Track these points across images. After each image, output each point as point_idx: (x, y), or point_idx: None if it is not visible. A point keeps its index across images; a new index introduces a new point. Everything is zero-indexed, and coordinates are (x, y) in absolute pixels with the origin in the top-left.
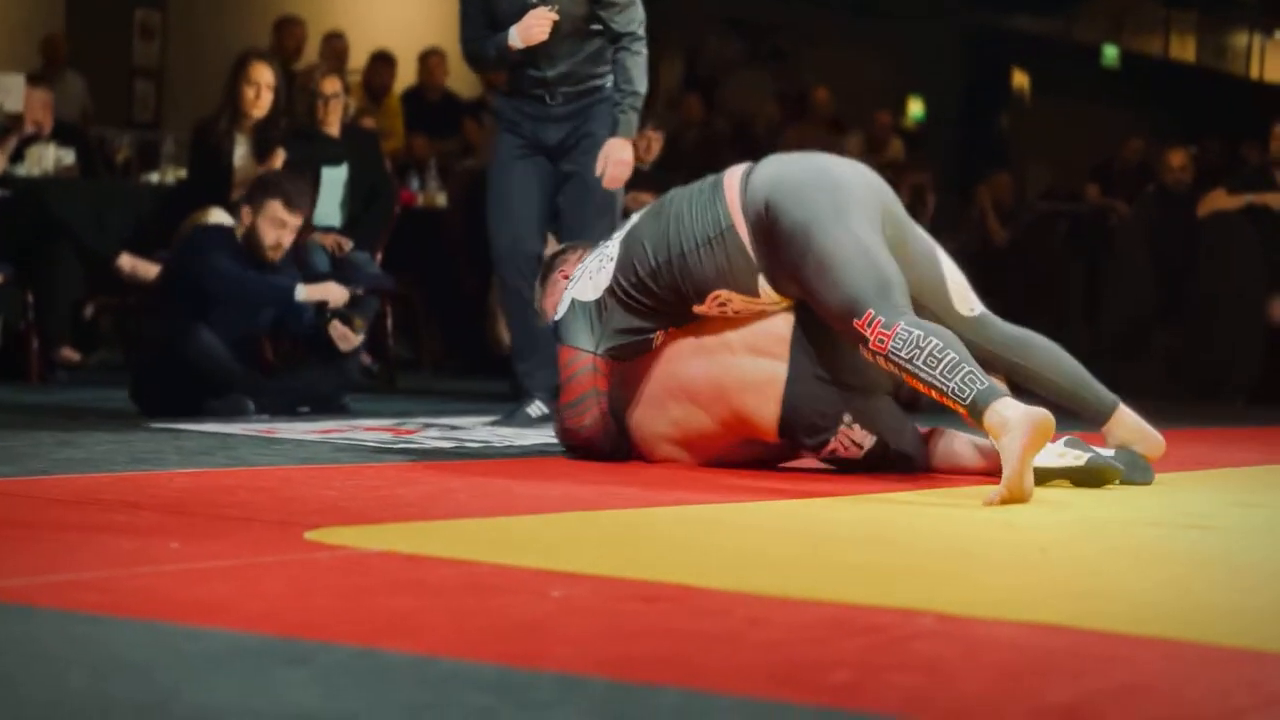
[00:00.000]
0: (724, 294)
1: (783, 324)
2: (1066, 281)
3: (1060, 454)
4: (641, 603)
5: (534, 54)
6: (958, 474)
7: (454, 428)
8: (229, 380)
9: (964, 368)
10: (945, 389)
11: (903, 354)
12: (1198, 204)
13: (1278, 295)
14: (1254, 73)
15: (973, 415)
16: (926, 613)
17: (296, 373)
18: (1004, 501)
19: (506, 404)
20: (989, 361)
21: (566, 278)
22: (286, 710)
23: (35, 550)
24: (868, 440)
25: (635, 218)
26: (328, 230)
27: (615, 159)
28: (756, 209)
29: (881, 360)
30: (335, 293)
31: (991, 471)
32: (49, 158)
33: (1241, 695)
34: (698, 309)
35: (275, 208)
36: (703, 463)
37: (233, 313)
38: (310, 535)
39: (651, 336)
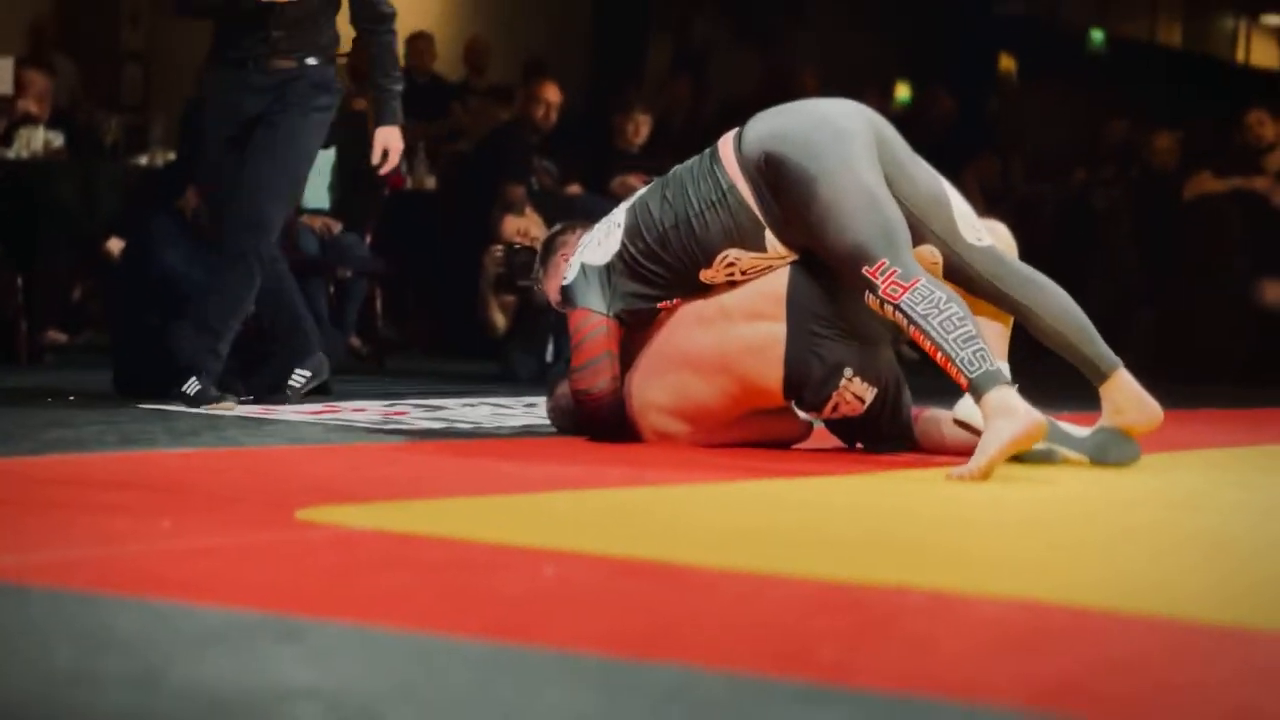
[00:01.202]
0: (732, 253)
1: (777, 283)
2: (1052, 263)
3: None
4: (632, 579)
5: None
6: (941, 453)
7: (443, 408)
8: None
9: (978, 342)
10: (955, 356)
11: (919, 309)
12: (1184, 186)
13: (1265, 277)
14: (1240, 57)
15: (974, 389)
16: (915, 589)
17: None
18: (968, 478)
19: (496, 385)
20: (995, 297)
21: (567, 260)
22: (279, 687)
23: (26, 529)
24: (869, 393)
25: (642, 190)
26: (316, 213)
27: (396, 147)
28: (756, 163)
29: (890, 310)
30: None
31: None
32: (38, 140)
33: (1229, 670)
34: (705, 275)
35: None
36: (698, 439)
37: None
38: (301, 514)
39: (658, 305)
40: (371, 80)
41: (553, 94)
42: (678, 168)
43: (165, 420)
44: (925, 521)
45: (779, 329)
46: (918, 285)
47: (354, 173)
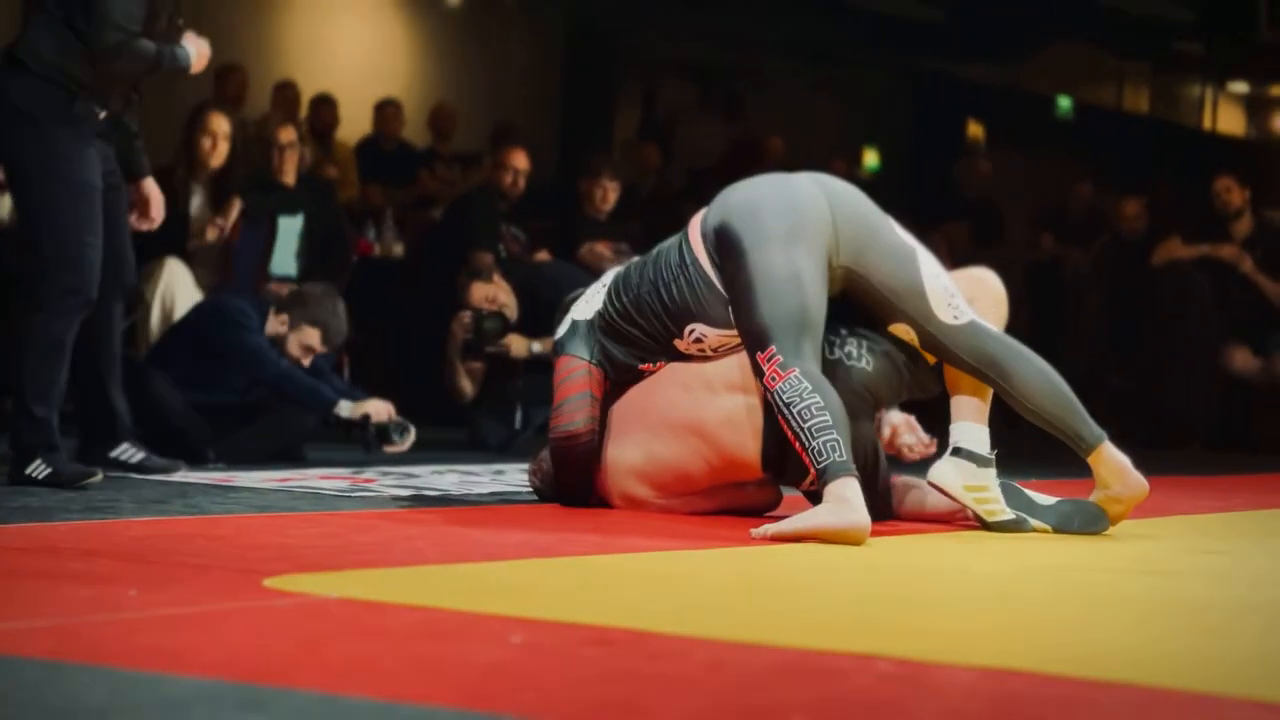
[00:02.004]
0: (699, 328)
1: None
2: (1021, 329)
3: (979, 499)
4: (600, 647)
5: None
6: (919, 520)
7: (411, 475)
8: (182, 435)
9: (831, 434)
10: (808, 445)
11: (784, 397)
12: (1152, 253)
13: (1232, 344)
14: (1206, 124)
15: (820, 478)
16: (884, 657)
17: (253, 427)
18: (762, 538)
19: (464, 453)
20: (974, 373)
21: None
22: None
23: None
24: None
25: (634, 257)
26: (283, 280)
27: (159, 200)
28: (712, 236)
29: (769, 396)
30: (378, 408)
31: (955, 522)
32: (4, 207)
33: None
34: (679, 345)
35: (311, 335)
36: (667, 506)
37: (228, 385)
38: (269, 582)
39: (639, 365)
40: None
41: (521, 161)
42: (665, 241)
43: (131, 488)
44: (894, 589)
45: (759, 404)
46: (790, 375)
47: (322, 240)
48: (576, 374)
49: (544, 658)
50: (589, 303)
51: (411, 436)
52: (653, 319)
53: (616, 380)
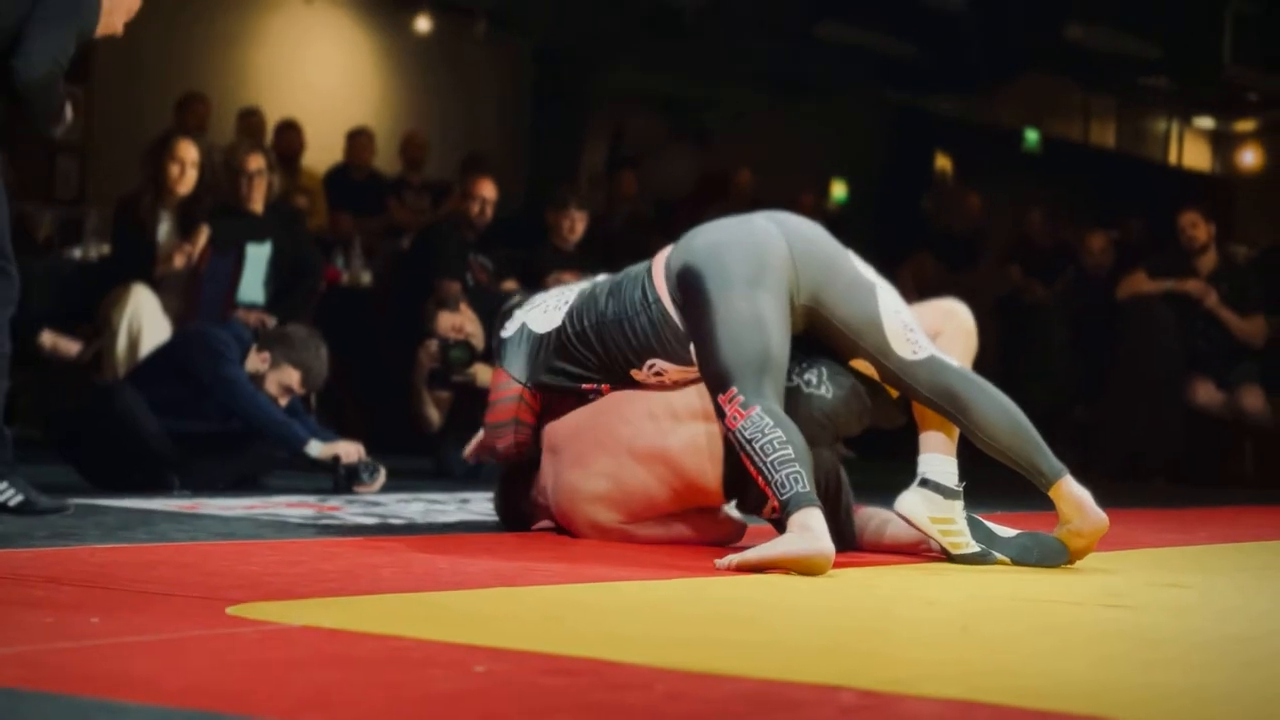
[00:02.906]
0: (659, 363)
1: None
2: (987, 360)
3: (944, 531)
4: (563, 677)
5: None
6: (878, 551)
7: (377, 504)
8: (152, 454)
9: (794, 466)
10: (770, 479)
11: (747, 434)
12: (1117, 286)
13: (1197, 377)
14: (1172, 158)
15: (784, 509)
16: (847, 688)
17: (221, 454)
18: (726, 567)
19: (430, 481)
20: (936, 408)
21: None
22: None
23: None
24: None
25: (600, 277)
26: (251, 307)
27: None
28: (675, 279)
29: (731, 437)
30: (348, 449)
31: (918, 553)
32: None
33: None
34: (636, 375)
35: (291, 376)
36: (632, 533)
37: (202, 414)
38: (233, 610)
39: (585, 386)
40: None
41: (489, 190)
42: (632, 267)
43: (95, 515)
44: (858, 620)
45: (720, 431)
46: (752, 414)
47: (290, 268)
48: (509, 399)
49: (507, 687)
50: (546, 314)
51: (382, 478)
52: (613, 348)
53: (554, 400)
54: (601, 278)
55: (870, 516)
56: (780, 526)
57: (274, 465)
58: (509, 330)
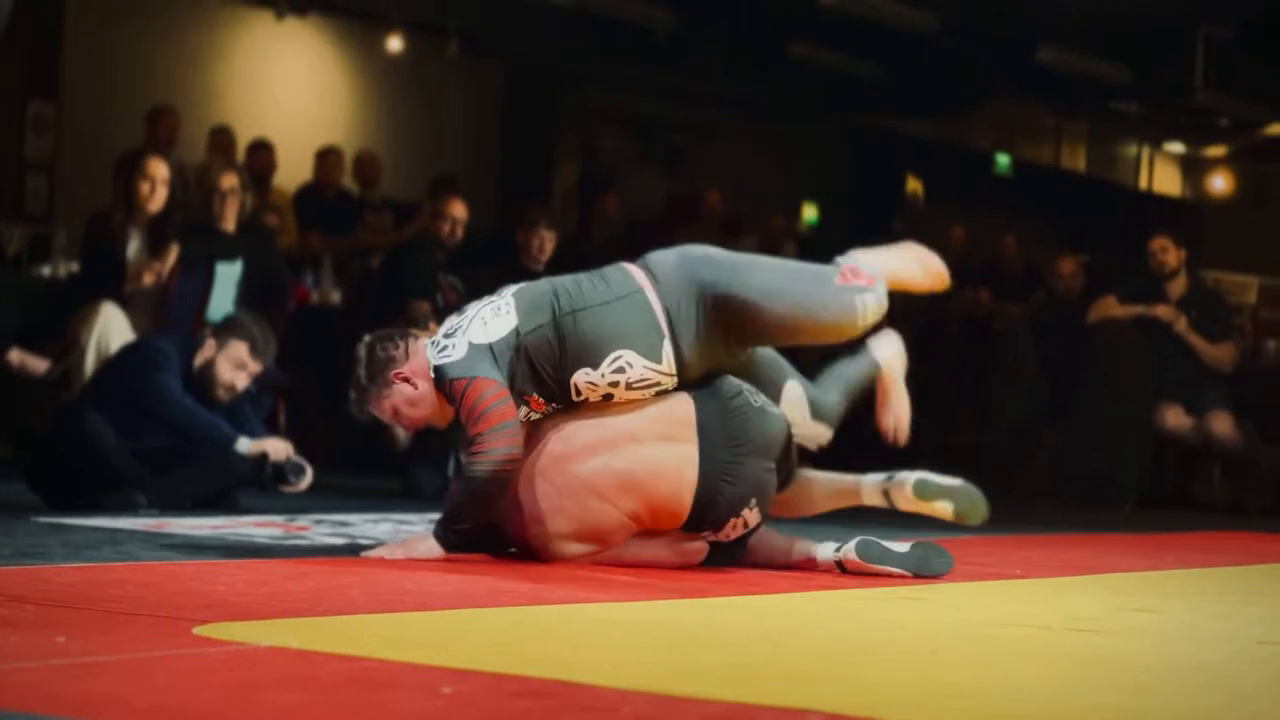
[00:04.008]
0: (625, 355)
1: (684, 410)
2: (957, 384)
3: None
4: (530, 699)
5: None
6: (765, 565)
7: (345, 524)
8: (116, 473)
9: None
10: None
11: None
12: (1088, 310)
13: (1166, 402)
14: (1143, 183)
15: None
16: (816, 712)
17: (186, 470)
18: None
19: (398, 501)
20: None
21: (405, 380)
22: None
23: None
24: (753, 520)
25: (516, 286)
26: None
27: None
28: (691, 289)
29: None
30: (276, 447)
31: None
32: None
33: None
34: (588, 380)
35: (239, 350)
36: (602, 558)
37: (155, 426)
38: (199, 630)
39: (525, 397)
40: None
41: (459, 210)
42: (573, 276)
43: (61, 534)
44: (828, 643)
45: (691, 451)
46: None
47: (260, 286)
48: (501, 401)
49: (474, 709)
50: (486, 325)
51: (308, 478)
52: (575, 342)
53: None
54: (518, 287)
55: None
56: (726, 549)
57: (243, 480)
58: (454, 353)
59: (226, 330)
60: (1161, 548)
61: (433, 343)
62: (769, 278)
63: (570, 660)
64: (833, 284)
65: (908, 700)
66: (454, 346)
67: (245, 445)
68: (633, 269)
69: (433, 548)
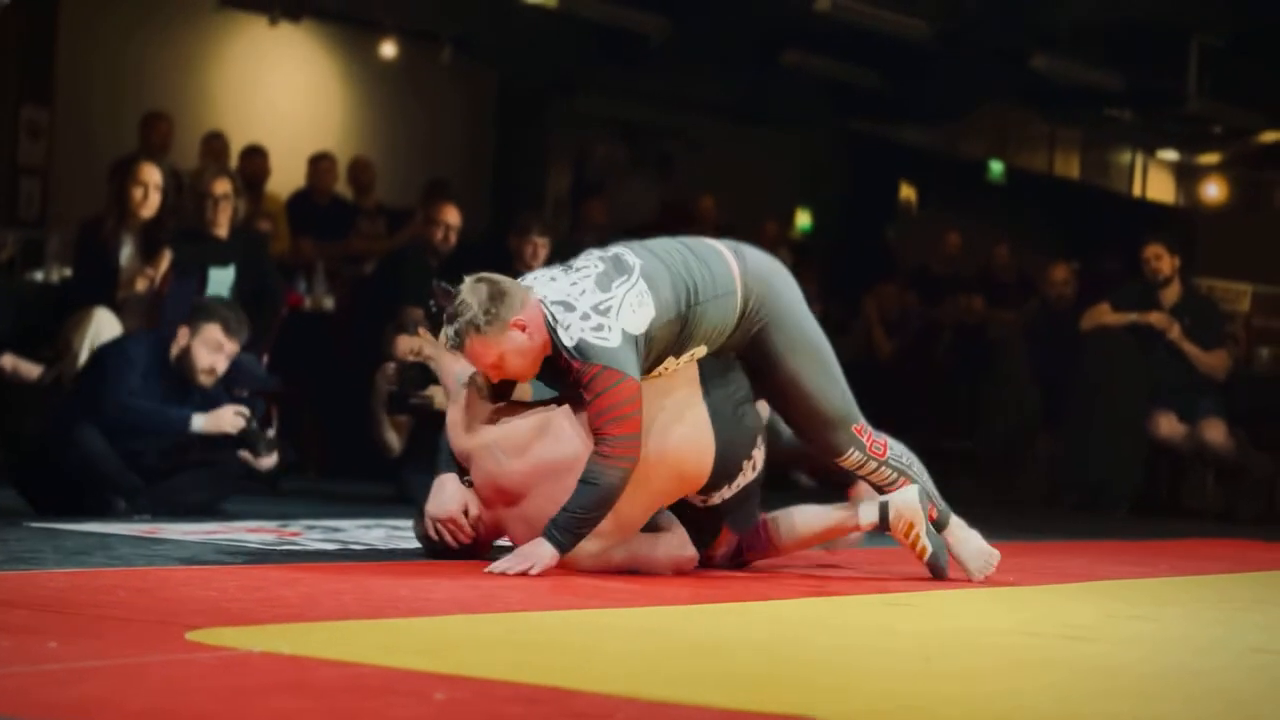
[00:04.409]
0: (701, 350)
1: (688, 369)
2: (951, 392)
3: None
4: (523, 705)
5: None
6: (802, 545)
7: (338, 530)
8: (106, 480)
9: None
10: (931, 493)
11: (902, 459)
12: (1081, 318)
13: (1159, 410)
14: (1136, 191)
15: (939, 522)
16: (808, 718)
17: (176, 478)
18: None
19: (391, 507)
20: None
21: (523, 329)
22: None
23: None
24: (760, 461)
25: (625, 253)
26: None
27: None
28: (753, 302)
29: (871, 464)
30: (227, 420)
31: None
32: None
33: None
34: (664, 366)
35: (213, 331)
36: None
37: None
38: (192, 635)
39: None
40: None
41: (452, 216)
42: (660, 243)
43: (54, 539)
44: (822, 651)
45: (702, 412)
46: (888, 440)
47: (253, 292)
48: (640, 408)
49: (467, 715)
50: (635, 313)
51: (274, 459)
52: (694, 330)
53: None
54: (640, 265)
55: (788, 513)
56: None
57: (238, 483)
58: (610, 339)
59: (197, 316)
60: (1155, 555)
61: (565, 305)
62: (813, 364)
63: (563, 667)
64: (851, 414)
65: (901, 708)
66: (609, 330)
67: (199, 422)
68: (730, 261)
69: (551, 553)
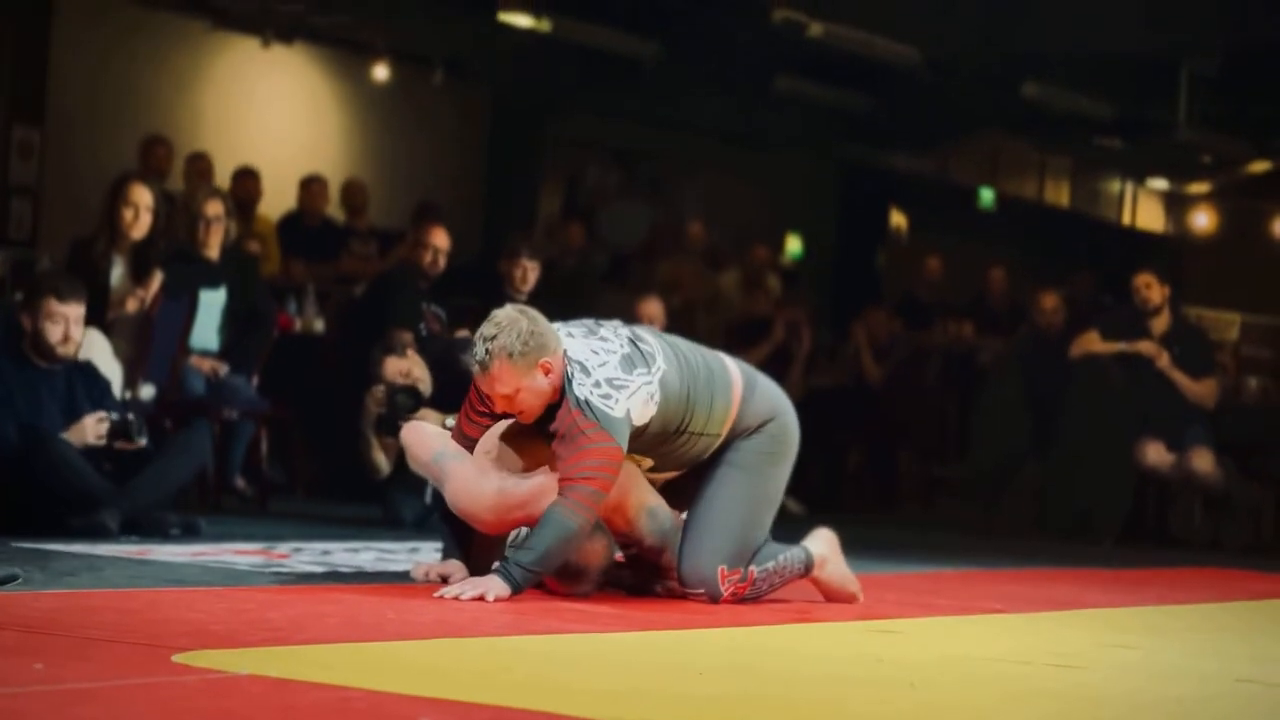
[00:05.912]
0: (648, 463)
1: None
2: (940, 418)
3: None
4: None
5: None
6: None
7: (326, 552)
8: (82, 493)
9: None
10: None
11: (764, 586)
12: (1070, 345)
13: (1147, 438)
14: (1126, 219)
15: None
16: None
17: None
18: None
19: (379, 529)
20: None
21: (548, 372)
22: None
23: None
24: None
25: (653, 348)
26: (204, 354)
27: None
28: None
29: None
30: (90, 431)
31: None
32: None
33: None
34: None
35: (49, 304)
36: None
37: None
38: (178, 658)
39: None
40: None
41: (440, 239)
42: (678, 344)
43: (41, 560)
44: (807, 676)
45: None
46: (751, 577)
47: (244, 314)
48: (616, 476)
49: None
50: (643, 407)
51: (143, 440)
52: (688, 410)
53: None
54: (661, 373)
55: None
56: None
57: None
58: (614, 409)
59: (30, 297)
60: (1142, 583)
61: (583, 367)
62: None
63: (550, 690)
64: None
65: None
66: (616, 402)
67: (66, 436)
68: (736, 383)
69: (503, 588)
